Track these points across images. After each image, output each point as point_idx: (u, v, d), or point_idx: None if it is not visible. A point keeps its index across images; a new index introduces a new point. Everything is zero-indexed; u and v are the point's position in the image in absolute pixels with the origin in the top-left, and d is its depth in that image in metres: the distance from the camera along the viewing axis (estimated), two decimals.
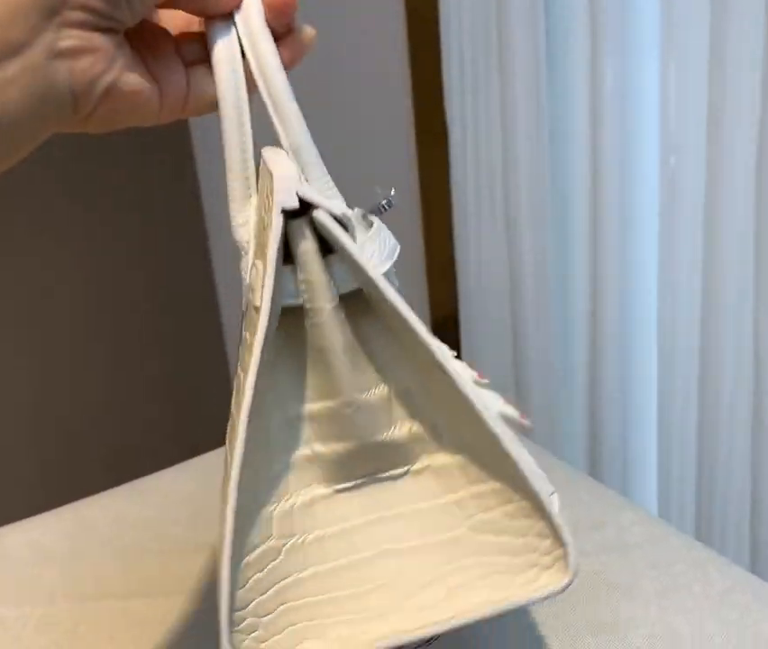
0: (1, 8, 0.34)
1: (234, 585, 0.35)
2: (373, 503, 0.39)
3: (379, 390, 0.38)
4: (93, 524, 0.68)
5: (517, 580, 0.37)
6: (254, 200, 0.38)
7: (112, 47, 0.37)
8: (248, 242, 0.37)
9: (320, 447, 0.38)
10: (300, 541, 0.38)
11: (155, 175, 1.60)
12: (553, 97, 1.06)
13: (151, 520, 0.68)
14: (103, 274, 1.57)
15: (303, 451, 0.38)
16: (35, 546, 0.66)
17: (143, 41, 0.40)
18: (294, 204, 0.34)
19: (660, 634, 0.50)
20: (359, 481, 0.39)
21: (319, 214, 0.35)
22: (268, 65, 0.38)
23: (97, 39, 0.36)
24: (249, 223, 0.38)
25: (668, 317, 0.95)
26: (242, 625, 0.35)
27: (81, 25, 0.35)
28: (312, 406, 0.38)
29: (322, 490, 0.38)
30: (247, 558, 0.36)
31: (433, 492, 0.39)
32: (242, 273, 0.37)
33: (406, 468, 0.39)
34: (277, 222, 0.34)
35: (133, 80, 0.38)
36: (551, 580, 0.36)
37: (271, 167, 0.35)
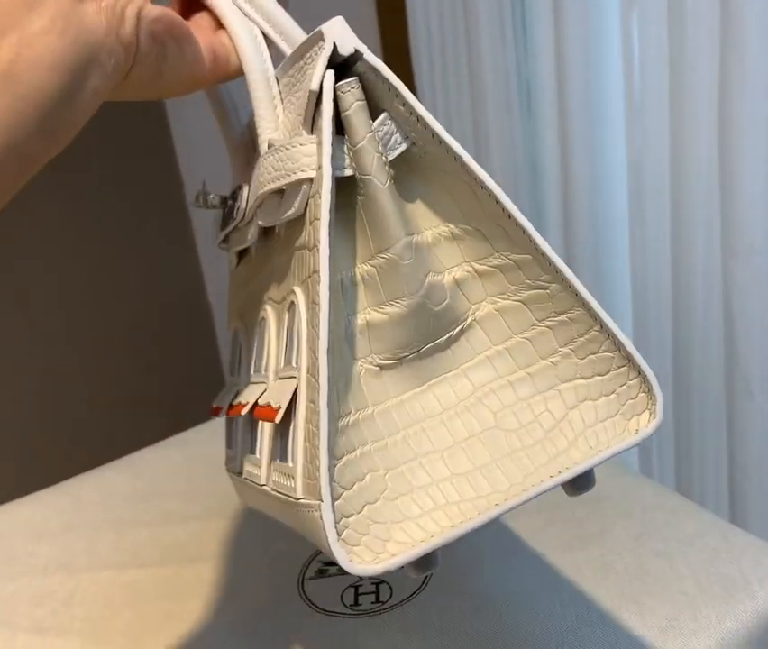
0: None
1: (330, 453, 0.31)
2: (433, 368, 0.36)
3: (431, 232, 0.36)
4: (86, 499, 0.69)
5: (610, 426, 0.35)
6: (280, 111, 0.37)
7: None
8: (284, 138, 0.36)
9: (375, 314, 0.35)
10: (370, 412, 0.35)
11: (138, 167, 1.60)
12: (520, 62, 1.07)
13: (142, 493, 0.69)
14: (91, 260, 1.58)
15: (359, 319, 0.35)
16: (28, 524, 0.66)
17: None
18: (352, 44, 0.32)
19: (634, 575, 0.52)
20: (414, 351, 0.36)
21: (371, 58, 0.33)
22: None
23: None
24: (279, 129, 0.37)
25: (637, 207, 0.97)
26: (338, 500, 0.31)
27: None
28: (364, 267, 0.35)
29: (380, 361, 0.35)
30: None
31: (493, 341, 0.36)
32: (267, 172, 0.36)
33: (459, 327, 0.36)
34: (328, 77, 0.32)
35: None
36: (642, 424, 0.35)
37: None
